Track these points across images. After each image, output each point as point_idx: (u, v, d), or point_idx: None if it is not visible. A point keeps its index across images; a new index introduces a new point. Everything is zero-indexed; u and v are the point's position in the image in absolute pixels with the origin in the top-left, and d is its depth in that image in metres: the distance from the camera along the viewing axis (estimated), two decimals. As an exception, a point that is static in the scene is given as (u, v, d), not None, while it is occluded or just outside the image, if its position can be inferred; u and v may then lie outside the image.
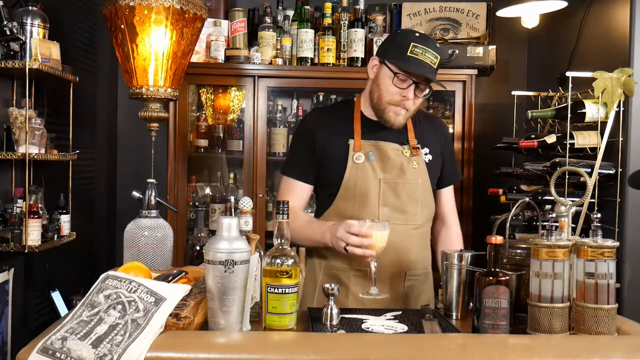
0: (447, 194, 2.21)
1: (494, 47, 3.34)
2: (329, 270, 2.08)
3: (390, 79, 1.96)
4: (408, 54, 1.92)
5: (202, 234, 2.37)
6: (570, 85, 2.53)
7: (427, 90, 1.99)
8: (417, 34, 1.96)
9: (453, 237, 2.19)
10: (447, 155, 2.17)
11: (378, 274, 1.89)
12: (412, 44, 1.92)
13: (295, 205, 2.06)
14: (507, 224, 1.80)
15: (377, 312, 1.76)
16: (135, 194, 2.00)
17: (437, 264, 2.21)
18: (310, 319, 1.71)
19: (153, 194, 2.00)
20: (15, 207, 2.55)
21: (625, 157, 2.45)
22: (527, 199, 1.91)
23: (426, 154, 2.09)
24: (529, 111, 2.79)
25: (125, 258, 1.93)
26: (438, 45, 1.96)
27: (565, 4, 2.93)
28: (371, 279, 1.72)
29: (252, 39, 3.42)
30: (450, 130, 3.46)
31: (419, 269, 2.06)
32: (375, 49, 3.30)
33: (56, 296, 2.88)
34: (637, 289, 2.45)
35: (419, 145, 2.07)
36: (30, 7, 2.57)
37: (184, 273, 1.64)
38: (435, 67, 1.94)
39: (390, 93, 1.97)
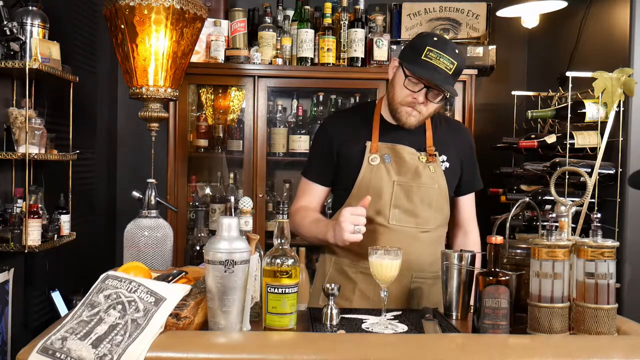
0: (466, 201, 2.20)
1: (494, 47, 3.34)
2: (339, 265, 2.11)
3: (403, 81, 1.96)
4: (422, 57, 1.91)
5: (202, 234, 2.37)
6: (570, 85, 2.53)
7: (441, 96, 1.97)
8: (435, 38, 1.94)
9: (470, 245, 2.18)
10: (467, 163, 2.15)
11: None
12: (427, 47, 1.91)
13: (308, 205, 2.11)
14: (507, 224, 1.80)
15: (377, 312, 1.77)
16: (135, 194, 2.00)
17: None
18: (310, 319, 1.71)
19: (153, 194, 2.00)
20: (15, 207, 2.55)
21: (625, 157, 2.45)
22: (527, 199, 1.91)
23: (443, 162, 2.08)
24: (529, 111, 2.79)
25: (125, 258, 1.93)
26: (457, 51, 1.93)
27: (565, 4, 2.93)
28: (382, 306, 1.71)
29: (252, 39, 3.42)
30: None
31: (428, 271, 2.06)
32: (375, 49, 3.30)
33: (56, 296, 2.88)
34: (637, 289, 2.45)
35: (436, 153, 2.07)
36: (30, 7, 2.57)
37: (184, 273, 1.64)
38: (450, 72, 1.92)
39: (402, 94, 1.98)
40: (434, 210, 2.05)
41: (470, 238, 2.21)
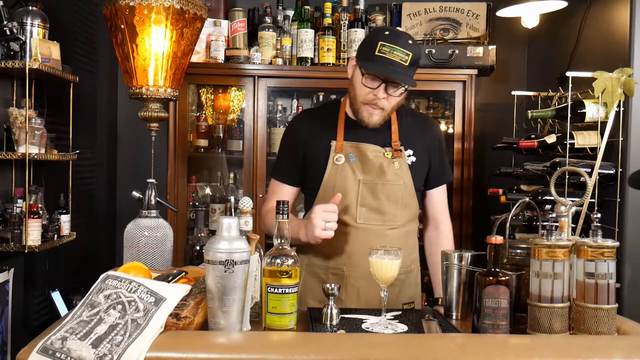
0: (437, 194, 2.20)
1: (494, 47, 3.34)
2: (311, 268, 2.12)
3: (361, 79, 1.97)
4: (376, 53, 1.91)
5: (202, 234, 2.37)
6: (570, 85, 2.53)
7: (403, 89, 1.97)
8: (386, 32, 1.94)
9: (442, 238, 2.19)
10: (435, 156, 2.15)
11: (354, 273, 1.98)
12: (380, 43, 1.90)
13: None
14: (507, 224, 1.80)
15: (377, 312, 1.77)
16: (135, 194, 2.00)
17: (428, 264, 2.23)
18: (310, 319, 1.71)
19: (153, 194, 2.00)
20: (15, 207, 2.55)
21: (625, 157, 2.45)
22: (527, 199, 1.91)
23: (409, 156, 2.08)
24: (529, 111, 2.79)
25: (125, 258, 1.93)
26: (410, 42, 1.92)
27: (565, 4, 2.93)
28: (382, 306, 1.72)
29: (252, 39, 3.42)
30: (450, 130, 3.46)
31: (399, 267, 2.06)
32: (375, 49, 3.30)
33: (56, 296, 2.87)
34: (637, 289, 2.45)
35: (401, 148, 2.07)
36: (30, 7, 2.57)
37: (184, 273, 1.64)
38: (407, 64, 1.90)
39: (362, 93, 1.98)
40: (400, 206, 2.05)
41: (441, 230, 2.21)
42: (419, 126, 2.16)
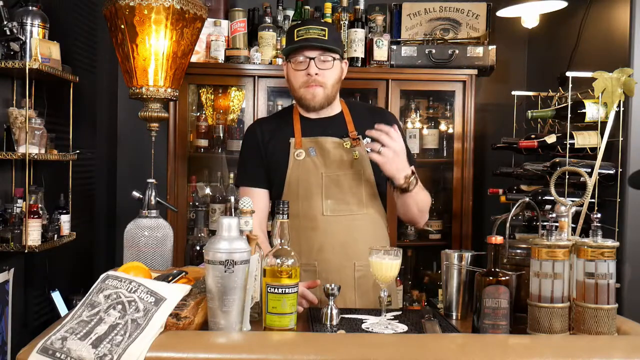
0: None
1: (494, 47, 3.34)
2: None
3: (292, 68, 2.06)
4: (295, 39, 2.03)
5: (202, 234, 2.37)
6: (570, 85, 2.53)
7: (331, 59, 2.03)
8: (299, 22, 2.09)
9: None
10: None
11: (326, 267, 1.99)
12: (296, 30, 2.05)
13: (257, 224, 1.94)
14: (507, 224, 1.80)
15: (377, 312, 1.77)
16: (135, 194, 2.00)
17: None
18: (310, 319, 1.71)
19: (153, 194, 2.00)
20: (15, 207, 2.55)
21: (625, 157, 2.45)
22: (527, 199, 1.91)
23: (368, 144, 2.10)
24: (529, 111, 2.79)
25: (125, 258, 1.93)
26: (322, 22, 2.10)
27: (565, 4, 2.93)
28: (381, 307, 1.72)
29: (252, 39, 3.42)
30: (450, 130, 3.47)
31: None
32: (375, 49, 3.30)
33: (56, 296, 2.87)
34: (637, 289, 2.45)
35: (359, 136, 2.09)
36: (30, 7, 2.57)
37: (184, 273, 1.64)
38: (326, 37, 2.01)
39: (296, 78, 2.06)
40: (364, 195, 2.07)
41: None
42: (376, 116, 2.17)
